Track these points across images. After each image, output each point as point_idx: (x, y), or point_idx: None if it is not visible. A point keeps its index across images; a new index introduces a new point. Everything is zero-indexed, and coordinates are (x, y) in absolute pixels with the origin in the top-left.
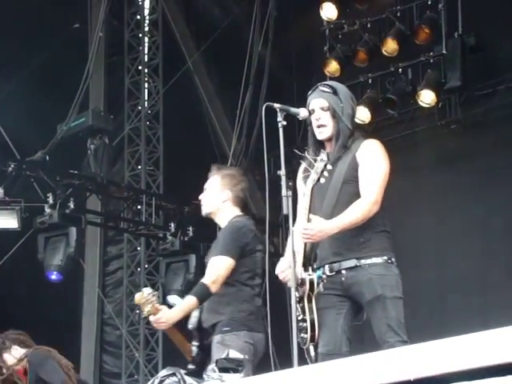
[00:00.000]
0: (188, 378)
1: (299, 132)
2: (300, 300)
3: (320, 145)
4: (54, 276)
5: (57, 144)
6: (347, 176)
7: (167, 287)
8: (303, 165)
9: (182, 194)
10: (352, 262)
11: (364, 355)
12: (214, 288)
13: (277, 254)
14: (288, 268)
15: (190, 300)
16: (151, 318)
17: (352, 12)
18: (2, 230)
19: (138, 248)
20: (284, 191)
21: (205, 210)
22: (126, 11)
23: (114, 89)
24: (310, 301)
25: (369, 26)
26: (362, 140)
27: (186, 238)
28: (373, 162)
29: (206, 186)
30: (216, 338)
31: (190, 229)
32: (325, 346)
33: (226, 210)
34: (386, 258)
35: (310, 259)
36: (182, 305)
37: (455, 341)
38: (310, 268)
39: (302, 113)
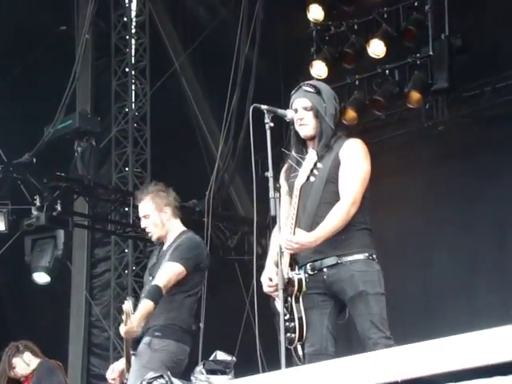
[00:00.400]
0: (176, 380)
1: (286, 133)
2: (285, 300)
3: (303, 144)
4: (41, 278)
5: (44, 146)
6: (330, 175)
7: None
8: (286, 165)
9: None
10: (333, 260)
11: (351, 357)
12: (164, 291)
13: (264, 256)
14: (273, 278)
15: (148, 304)
16: (124, 327)
17: (339, 14)
18: None
19: (126, 250)
20: (271, 193)
21: (155, 237)
22: (112, 13)
23: (101, 91)
24: (297, 300)
25: (355, 27)
26: (345, 139)
27: None
28: (353, 161)
29: (143, 213)
30: (145, 339)
31: None
32: (311, 347)
33: (172, 226)
34: (367, 254)
35: (296, 259)
36: (142, 310)
37: (442, 342)
38: (297, 267)
39: (289, 114)
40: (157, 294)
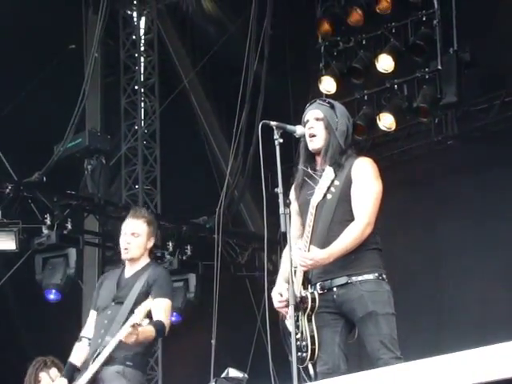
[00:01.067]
0: None
1: (296, 149)
2: (297, 319)
3: (312, 158)
4: (52, 295)
5: (54, 165)
6: (342, 194)
7: None
8: (296, 182)
9: (180, 212)
10: (343, 280)
11: (361, 372)
12: (167, 330)
13: (275, 272)
14: (283, 294)
15: (152, 333)
16: (129, 331)
17: (347, 29)
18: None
19: None
20: (281, 209)
21: (130, 255)
22: (121, 31)
23: (110, 109)
24: (309, 319)
25: (364, 42)
26: (355, 158)
27: (184, 257)
28: (365, 182)
29: (134, 231)
30: (116, 368)
31: (188, 248)
32: (324, 365)
33: (144, 256)
34: (377, 274)
35: (308, 277)
36: (148, 333)
37: (454, 357)
38: (309, 286)
39: (299, 130)
40: (161, 332)
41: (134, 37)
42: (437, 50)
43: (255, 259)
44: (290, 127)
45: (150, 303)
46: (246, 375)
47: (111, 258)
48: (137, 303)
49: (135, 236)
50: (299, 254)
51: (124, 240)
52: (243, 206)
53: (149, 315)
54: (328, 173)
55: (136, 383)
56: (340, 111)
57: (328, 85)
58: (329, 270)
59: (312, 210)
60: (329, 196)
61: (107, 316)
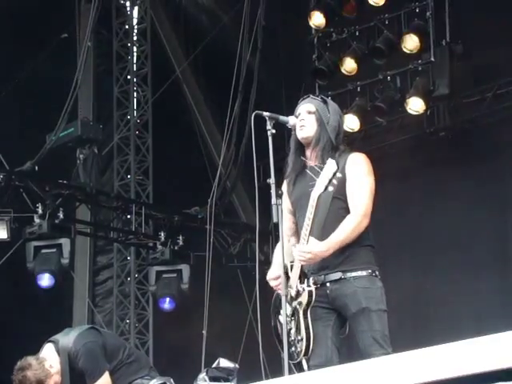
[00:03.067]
0: None
1: (289, 140)
2: (293, 313)
3: (301, 152)
4: (45, 281)
5: (46, 154)
6: (337, 190)
7: (158, 296)
8: (288, 178)
9: (172, 203)
10: (337, 275)
11: (352, 363)
12: None
13: (267, 262)
14: (280, 276)
15: None
16: None
17: (340, 20)
18: None
19: (128, 257)
20: (273, 199)
21: None
22: (114, 21)
23: (102, 98)
24: (305, 315)
25: (357, 34)
26: (348, 153)
27: (175, 247)
28: (360, 176)
29: None
30: None
31: (180, 238)
32: (317, 358)
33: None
34: (370, 271)
35: (305, 272)
36: None
37: (443, 348)
38: (306, 280)
39: (291, 121)
40: None
41: (127, 26)
42: (430, 41)
43: (247, 250)
44: (282, 118)
45: None
46: (236, 365)
47: (103, 247)
48: None
49: None
50: (297, 248)
51: None
52: (235, 196)
53: None
54: (330, 165)
55: None
56: (332, 108)
57: (321, 76)
58: (323, 265)
59: (313, 202)
60: (330, 188)
61: None
